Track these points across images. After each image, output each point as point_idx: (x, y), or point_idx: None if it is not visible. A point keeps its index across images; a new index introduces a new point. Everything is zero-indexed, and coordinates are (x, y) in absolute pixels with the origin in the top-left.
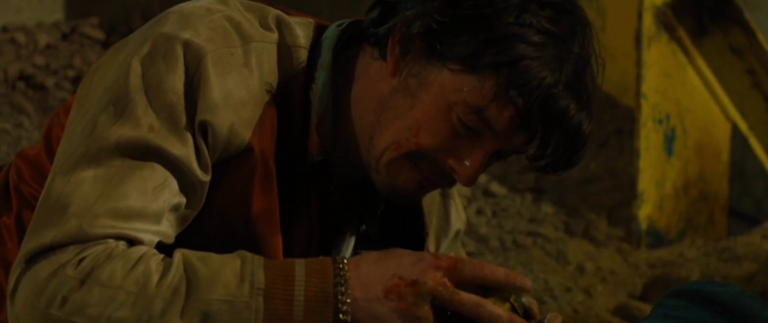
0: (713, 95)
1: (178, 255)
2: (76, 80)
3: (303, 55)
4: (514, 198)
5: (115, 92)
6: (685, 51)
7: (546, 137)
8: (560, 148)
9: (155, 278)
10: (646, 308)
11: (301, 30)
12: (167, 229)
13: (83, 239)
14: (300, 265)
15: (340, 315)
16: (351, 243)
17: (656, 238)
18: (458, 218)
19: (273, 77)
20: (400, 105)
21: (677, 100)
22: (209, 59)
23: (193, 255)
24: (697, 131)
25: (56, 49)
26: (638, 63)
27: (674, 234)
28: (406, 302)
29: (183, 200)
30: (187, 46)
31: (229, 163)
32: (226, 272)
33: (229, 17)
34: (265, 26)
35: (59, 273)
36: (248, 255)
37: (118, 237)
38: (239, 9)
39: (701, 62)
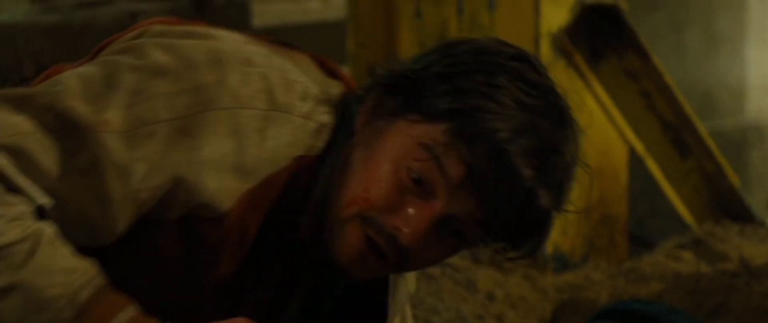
0: (610, 118)
1: (48, 229)
2: None
3: (325, 135)
4: None
5: (108, 69)
6: (582, 76)
7: (493, 200)
8: (512, 218)
9: (3, 239)
10: None
11: (330, 109)
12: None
13: None
14: (131, 312)
15: None
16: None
17: (561, 262)
18: (411, 281)
19: (285, 153)
20: (357, 160)
21: None
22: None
23: (58, 238)
24: (596, 155)
25: None
26: None
27: (578, 258)
28: None
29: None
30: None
31: (198, 223)
32: (59, 272)
33: (264, 77)
34: (299, 96)
35: None
36: (101, 275)
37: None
38: (282, 70)
39: (598, 87)
